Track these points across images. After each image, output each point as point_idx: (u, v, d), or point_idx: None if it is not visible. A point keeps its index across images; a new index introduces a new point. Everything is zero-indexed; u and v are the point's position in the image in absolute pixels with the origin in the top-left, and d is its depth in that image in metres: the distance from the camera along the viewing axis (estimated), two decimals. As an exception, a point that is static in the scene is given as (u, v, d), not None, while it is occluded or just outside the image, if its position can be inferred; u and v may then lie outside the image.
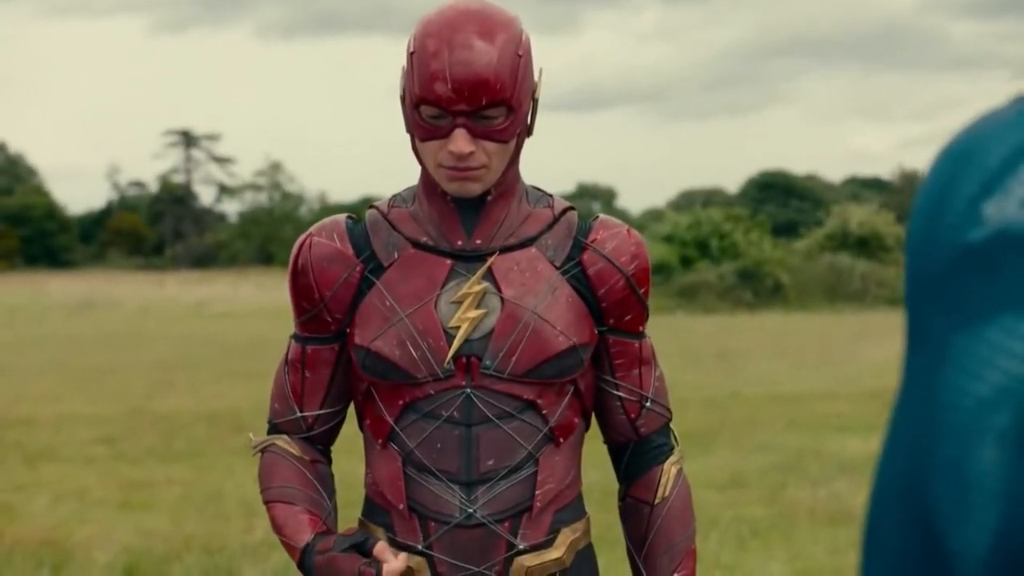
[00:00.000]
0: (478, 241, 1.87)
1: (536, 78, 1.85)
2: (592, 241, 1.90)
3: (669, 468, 1.99)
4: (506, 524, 1.85)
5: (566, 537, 1.90)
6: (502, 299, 1.85)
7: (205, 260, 70.28)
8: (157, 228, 76.95)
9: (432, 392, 1.84)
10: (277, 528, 1.92)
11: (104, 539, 6.56)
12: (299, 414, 1.97)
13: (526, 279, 1.86)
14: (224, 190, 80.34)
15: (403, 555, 1.85)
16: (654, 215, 49.19)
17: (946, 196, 0.66)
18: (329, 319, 1.91)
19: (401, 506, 1.87)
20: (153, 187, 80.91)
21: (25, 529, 6.79)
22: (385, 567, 1.82)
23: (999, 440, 0.60)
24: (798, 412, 11.30)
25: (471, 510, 1.84)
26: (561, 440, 1.89)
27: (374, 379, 1.87)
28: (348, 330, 1.91)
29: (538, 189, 1.95)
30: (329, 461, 2.02)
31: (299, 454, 1.96)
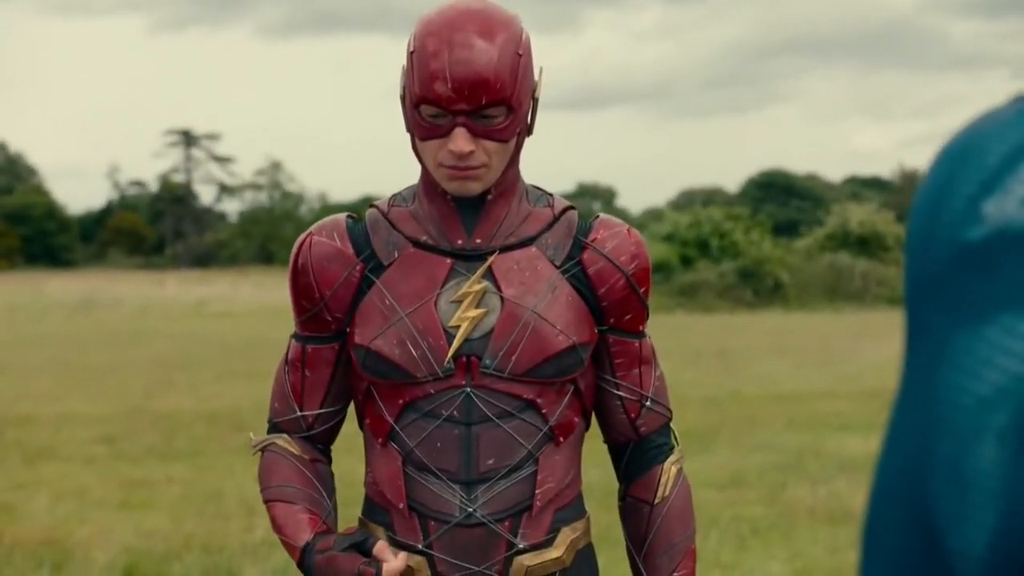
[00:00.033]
0: (478, 240, 1.86)
1: (536, 77, 1.85)
2: (592, 240, 1.90)
3: (669, 468, 1.99)
4: (506, 523, 1.85)
5: (566, 536, 1.90)
6: (502, 298, 1.85)
7: (205, 259, 70.31)
8: (157, 227, 76.97)
9: (432, 391, 1.84)
10: (277, 527, 1.92)
11: (104, 538, 6.56)
12: (299, 413, 1.97)
13: (526, 278, 1.86)
14: (224, 189, 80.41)
15: (403, 554, 1.85)
16: (654, 214, 49.18)
17: (946, 195, 0.66)
18: (329, 318, 1.91)
19: (401, 505, 1.87)
20: (153, 186, 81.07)
21: (25, 528, 6.79)
22: (385, 566, 1.82)
23: (998, 439, 0.60)
24: (798, 411, 11.30)
25: (471, 509, 1.84)
26: (561, 439, 1.89)
27: (374, 378, 1.87)
28: (348, 329, 1.91)
29: (538, 188, 1.95)
30: (329, 460, 2.02)
31: (299, 453, 1.96)
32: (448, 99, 1.74)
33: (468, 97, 1.74)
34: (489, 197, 1.85)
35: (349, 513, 2.00)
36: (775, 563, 5.99)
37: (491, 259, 1.86)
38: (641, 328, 1.96)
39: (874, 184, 74.09)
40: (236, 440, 9.39)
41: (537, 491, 1.86)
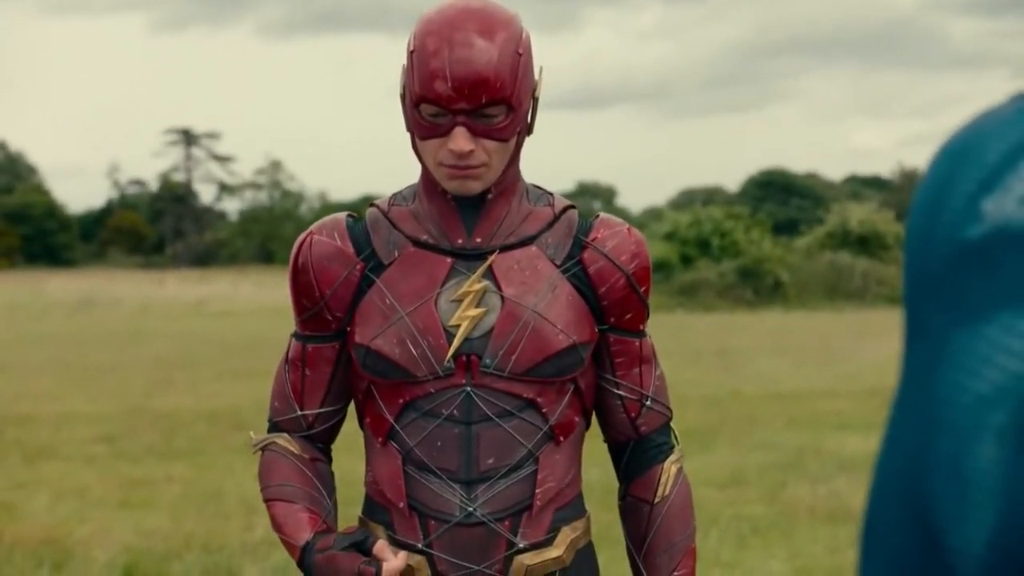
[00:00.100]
0: (478, 239, 1.87)
1: (536, 76, 1.85)
2: (592, 240, 1.90)
3: (669, 467, 1.99)
4: (506, 523, 1.85)
5: (566, 536, 1.90)
6: (502, 297, 1.85)
7: (205, 259, 70.30)
8: (157, 226, 76.94)
9: (432, 390, 1.85)
10: (277, 526, 1.92)
11: (104, 537, 6.56)
12: (299, 412, 1.97)
13: (526, 277, 1.86)
14: (224, 188, 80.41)
15: (403, 553, 1.85)
16: (654, 213, 49.14)
17: (945, 193, 0.66)
18: (329, 317, 1.91)
19: (401, 504, 1.87)
20: (153, 185, 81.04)
21: (25, 528, 6.79)
22: (385, 566, 1.82)
23: (998, 437, 0.60)
24: (798, 410, 11.30)
25: (471, 508, 1.84)
26: (561, 439, 1.89)
27: (374, 377, 1.87)
28: (348, 328, 1.91)
29: (538, 187, 1.95)
30: (329, 459, 2.02)
31: (299, 452, 1.96)
32: (448, 98, 1.74)
33: (468, 96, 1.74)
34: (489, 196, 1.85)
35: (349, 512, 2.01)
36: (775, 562, 6.00)
37: (491, 258, 1.86)
38: (641, 327, 1.96)
39: (874, 183, 74.08)
40: (236, 439, 9.38)
41: (537, 490, 1.86)
